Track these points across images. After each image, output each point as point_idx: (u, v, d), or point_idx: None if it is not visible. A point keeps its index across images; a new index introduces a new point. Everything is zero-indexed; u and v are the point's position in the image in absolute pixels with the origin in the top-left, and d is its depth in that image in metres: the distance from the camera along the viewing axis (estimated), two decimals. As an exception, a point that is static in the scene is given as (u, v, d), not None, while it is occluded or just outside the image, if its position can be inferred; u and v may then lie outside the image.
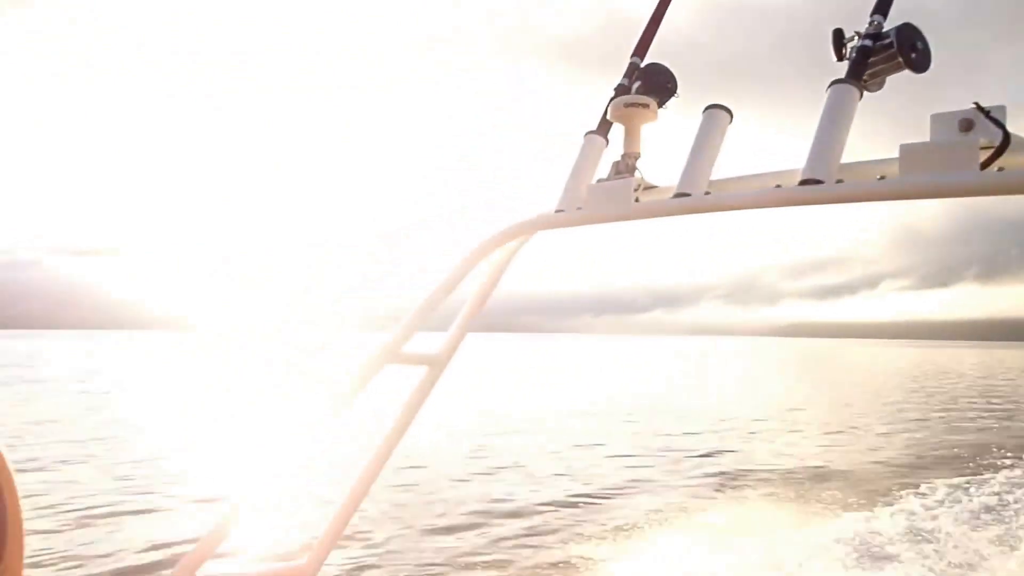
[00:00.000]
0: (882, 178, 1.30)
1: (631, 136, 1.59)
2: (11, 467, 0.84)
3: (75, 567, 8.18)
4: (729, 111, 1.48)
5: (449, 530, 9.92)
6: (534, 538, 9.58)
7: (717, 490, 12.71)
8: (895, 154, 1.22)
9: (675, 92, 1.59)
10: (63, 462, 14.22)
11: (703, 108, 1.48)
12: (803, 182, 1.25)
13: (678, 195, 1.40)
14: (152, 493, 11.65)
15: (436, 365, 1.79)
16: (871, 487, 12.68)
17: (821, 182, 1.24)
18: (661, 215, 1.42)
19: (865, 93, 1.30)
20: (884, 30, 1.30)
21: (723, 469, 14.41)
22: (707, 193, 1.41)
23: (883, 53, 1.28)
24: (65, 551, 8.68)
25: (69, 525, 9.87)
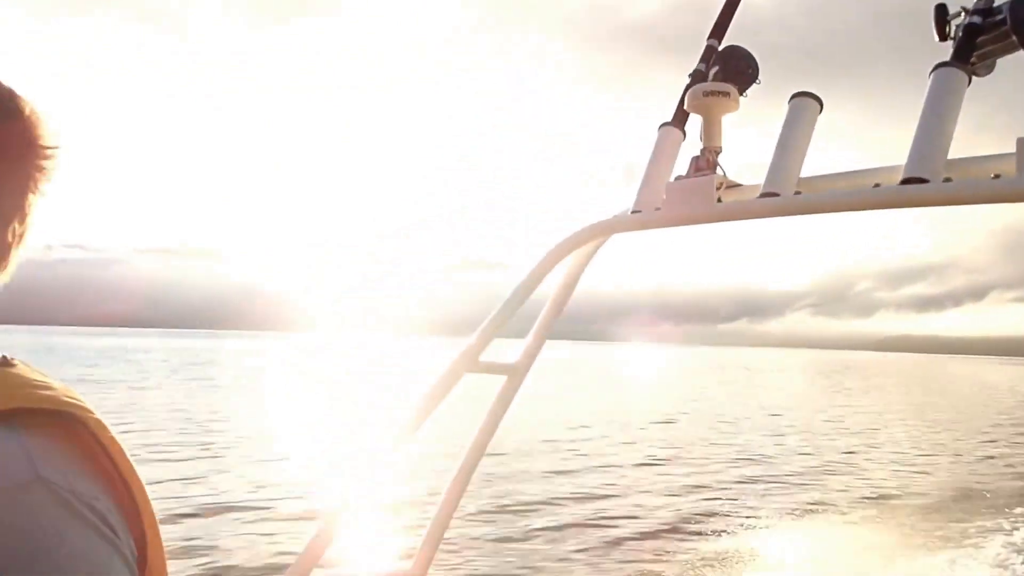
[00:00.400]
0: (996, 176, 1.17)
1: (711, 128, 1.47)
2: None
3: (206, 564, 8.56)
4: (819, 99, 1.36)
5: (547, 531, 9.95)
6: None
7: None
8: (1010, 149, 1.10)
9: (756, 78, 1.46)
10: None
11: (788, 97, 1.36)
12: (905, 180, 1.15)
13: (765, 195, 1.31)
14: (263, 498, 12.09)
15: (516, 374, 1.76)
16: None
17: (926, 181, 1.13)
18: (747, 217, 1.33)
19: (973, 78, 1.18)
20: (995, 4, 1.17)
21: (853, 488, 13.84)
22: (797, 193, 1.31)
23: (994, 31, 1.15)
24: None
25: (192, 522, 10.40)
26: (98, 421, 0.82)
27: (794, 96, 1.36)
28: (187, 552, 8.81)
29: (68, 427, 0.79)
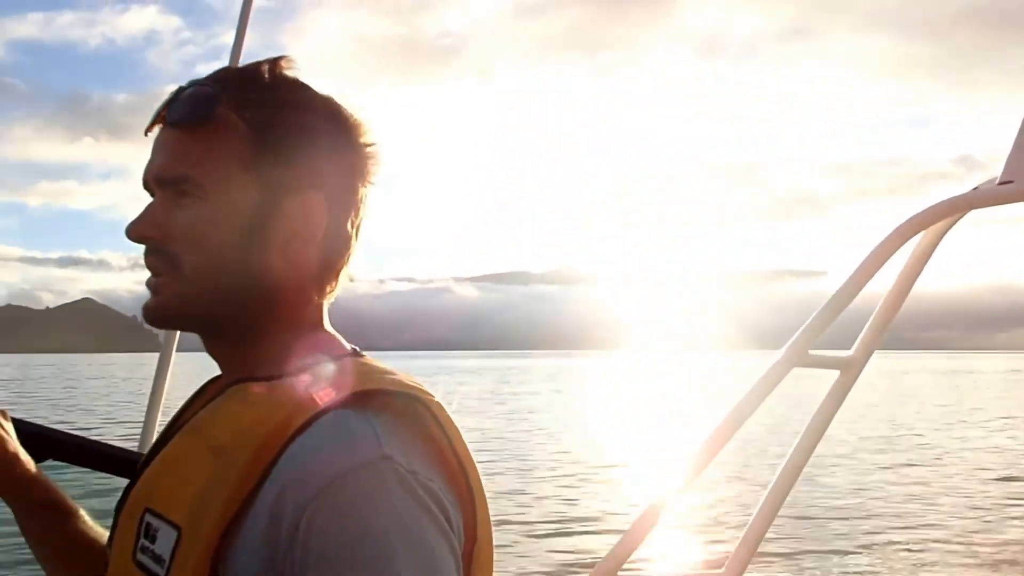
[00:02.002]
0: None
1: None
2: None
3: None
4: None
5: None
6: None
7: None
8: None
9: None
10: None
11: None
12: None
13: None
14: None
15: (849, 369, 1.63)
16: None
17: None
18: None
19: None
20: None
21: None
22: None
23: None
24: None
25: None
26: (439, 405, 0.84)
27: None
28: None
29: (411, 409, 0.82)
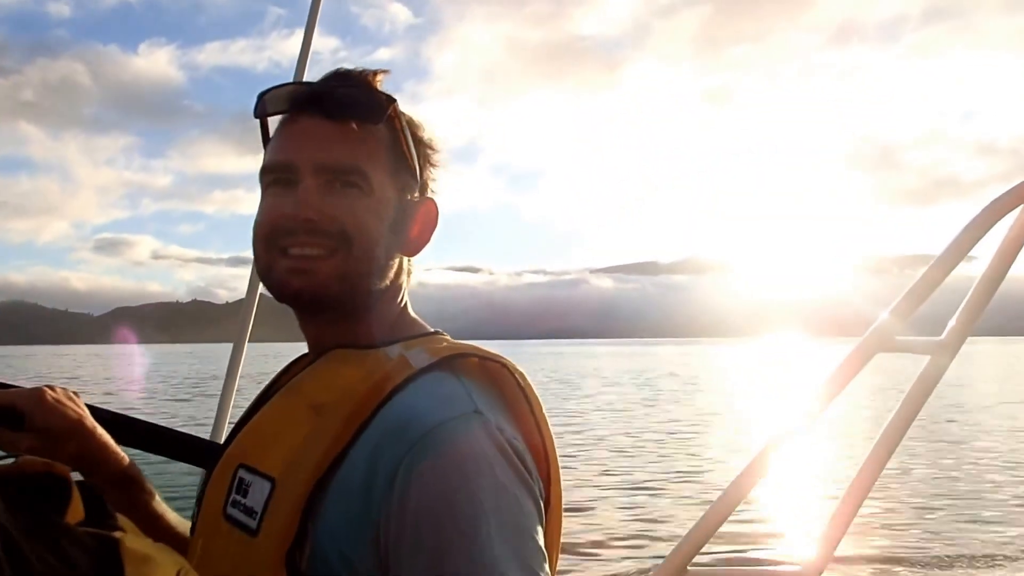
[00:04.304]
0: None
1: None
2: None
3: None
4: None
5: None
6: None
7: None
8: None
9: None
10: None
11: None
12: None
13: None
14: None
15: (940, 355, 1.52)
16: None
17: None
18: None
19: None
20: None
21: None
22: None
23: None
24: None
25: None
26: (522, 373, 0.91)
27: None
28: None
29: (497, 374, 0.90)
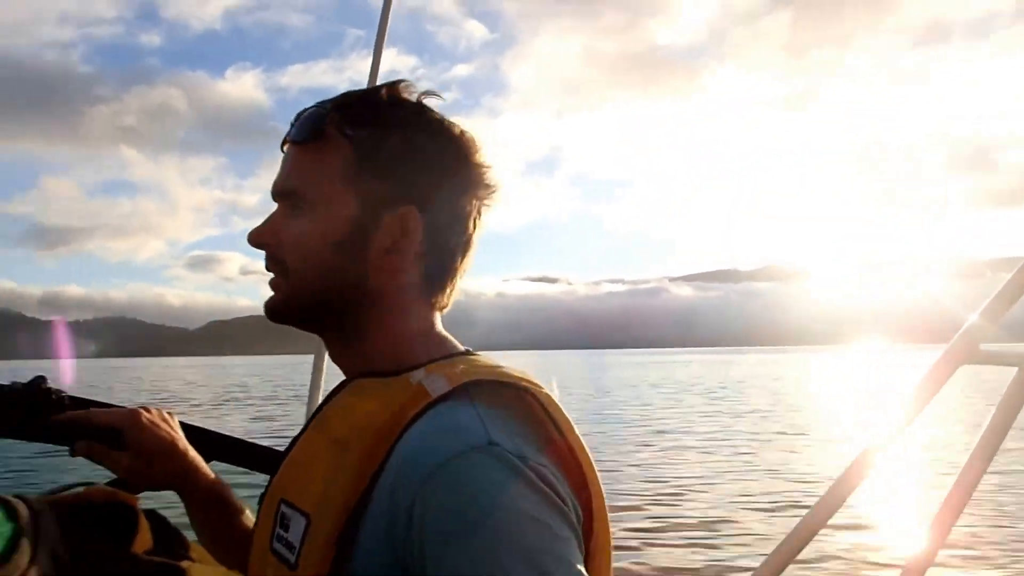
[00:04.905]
0: None
1: None
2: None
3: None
4: None
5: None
6: None
7: None
8: None
9: None
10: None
11: None
12: None
13: None
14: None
15: (1029, 367, 1.45)
16: None
17: None
18: None
19: None
20: None
21: None
22: None
23: None
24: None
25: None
26: (548, 396, 0.85)
27: None
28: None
29: (519, 399, 0.83)
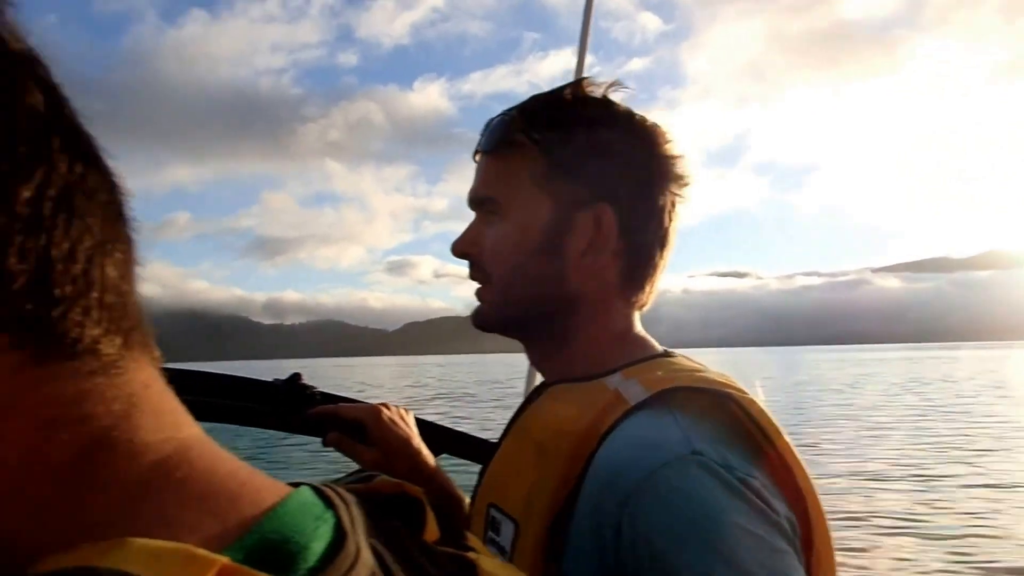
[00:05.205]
0: None
1: None
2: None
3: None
4: None
5: None
6: None
7: None
8: None
9: None
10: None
11: None
12: None
13: None
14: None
15: None
16: None
17: None
18: None
19: None
20: None
21: None
22: None
23: None
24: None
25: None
26: (751, 401, 0.81)
27: None
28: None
29: (721, 406, 0.80)
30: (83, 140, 0.35)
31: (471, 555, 0.50)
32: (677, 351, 0.93)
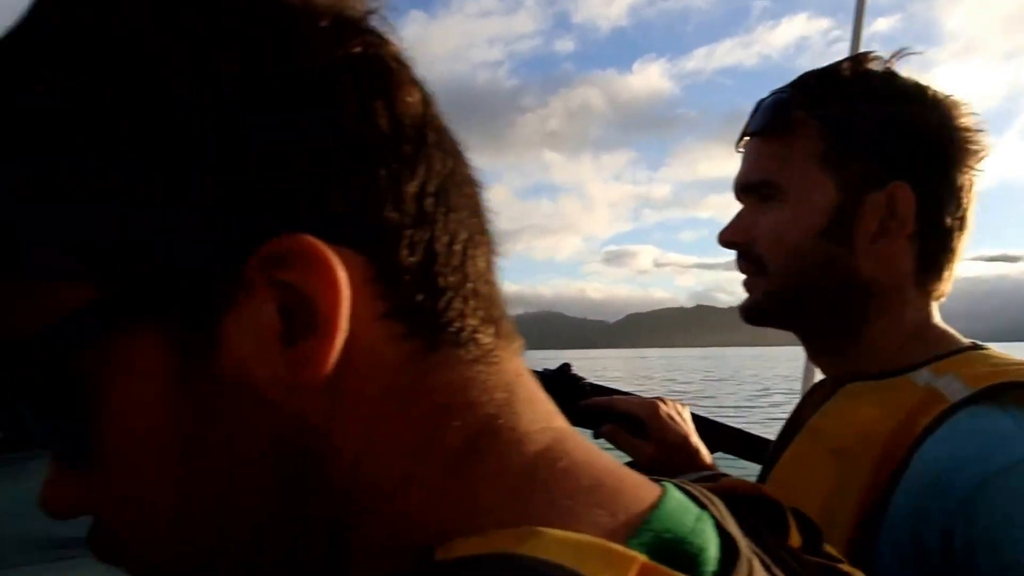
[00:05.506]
0: None
1: None
2: None
3: None
4: None
5: None
6: None
7: None
8: None
9: None
10: None
11: None
12: None
13: None
14: None
15: None
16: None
17: None
18: None
19: None
20: None
21: None
22: None
23: None
24: None
25: None
26: None
27: None
28: None
29: None
30: (448, 135, 0.36)
31: (843, 566, 0.46)
32: (987, 344, 0.85)
